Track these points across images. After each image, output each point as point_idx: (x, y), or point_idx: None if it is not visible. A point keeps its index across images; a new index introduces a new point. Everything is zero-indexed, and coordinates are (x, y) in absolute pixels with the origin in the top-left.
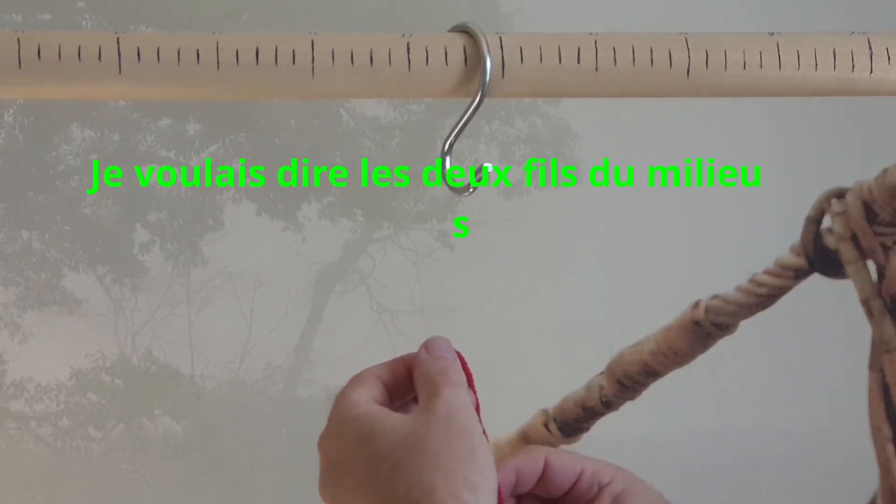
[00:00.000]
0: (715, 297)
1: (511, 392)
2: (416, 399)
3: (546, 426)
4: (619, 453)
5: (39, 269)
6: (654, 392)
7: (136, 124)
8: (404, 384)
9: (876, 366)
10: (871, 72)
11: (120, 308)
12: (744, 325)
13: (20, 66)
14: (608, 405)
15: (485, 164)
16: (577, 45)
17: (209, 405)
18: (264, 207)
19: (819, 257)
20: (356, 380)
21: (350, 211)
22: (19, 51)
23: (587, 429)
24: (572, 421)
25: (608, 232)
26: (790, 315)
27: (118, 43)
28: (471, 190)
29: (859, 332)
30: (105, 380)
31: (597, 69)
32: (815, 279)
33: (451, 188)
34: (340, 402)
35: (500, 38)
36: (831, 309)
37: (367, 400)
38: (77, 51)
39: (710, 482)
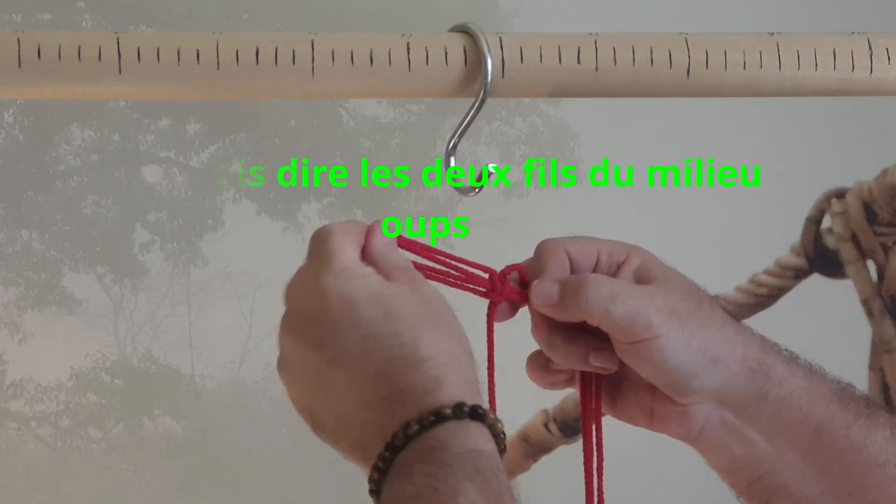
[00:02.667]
0: (715, 297)
1: (511, 392)
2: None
3: (546, 426)
4: (620, 454)
5: (39, 269)
6: None
7: (136, 124)
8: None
9: (876, 366)
10: (871, 72)
11: (120, 308)
12: None
13: (20, 66)
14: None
15: (485, 165)
16: (577, 45)
17: (209, 405)
18: (264, 207)
19: (819, 257)
20: (343, 234)
21: (350, 211)
22: (19, 51)
23: None
24: (572, 421)
25: (608, 232)
26: (790, 315)
27: (118, 43)
28: (476, 190)
29: (859, 332)
30: (105, 380)
31: (597, 69)
32: (815, 279)
33: (456, 189)
34: (334, 255)
35: (501, 39)
36: (831, 309)
37: (358, 259)
38: (77, 51)
39: (712, 483)
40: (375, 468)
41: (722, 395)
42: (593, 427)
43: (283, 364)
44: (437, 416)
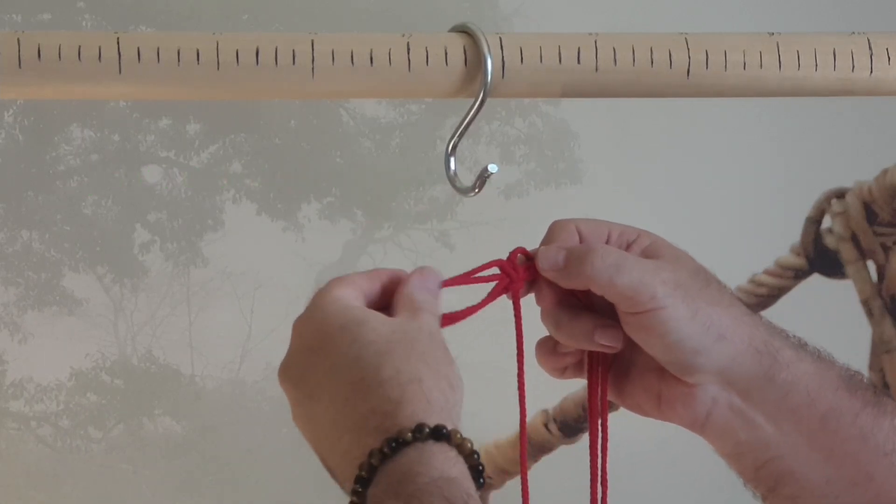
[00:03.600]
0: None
1: (511, 393)
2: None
3: (546, 426)
4: (622, 456)
5: (39, 270)
6: None
7: (136, 124)
8: (380, 296)
9: (876, 366)
10: (871, 72)
11: (120, 308)
12: None
13: (20, 67)
14: (609, 405)
15: (488, 165)
16: (577, 45)
17: (209, 405)
18: (264, 207)
19: (819, 257)
20: (339, 280)
21: (350, 211)
22: (19, 51)
23: (588, 428)
24: (573, 421)
25: None
26: (790, 315)
27: (118, 43)
28: (476, 190)
29: (859, 332)
30: (105, 380)
31: (597, 69)
32: (815, 279)
33: (457, 189)
34: (324, 296)
35: (501, 39)
36: (831, 309)
37: (351, 298)
38: (77, 51)
39: (715, 485)
40: None
41: (728, 375)
42: (599, 411)
43: (292, 413)
44: (398, 442)
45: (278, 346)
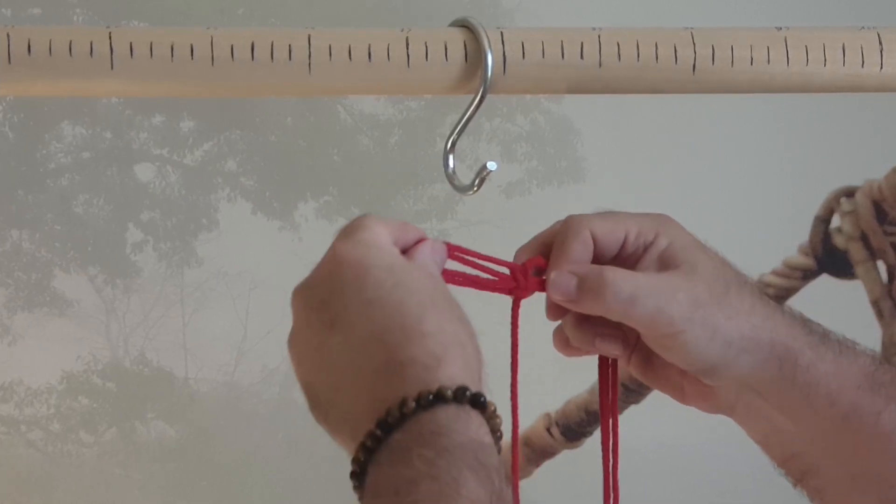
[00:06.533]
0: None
1: (509, 395)
2: None
3: (549, 430)
4: (624, 458)
5: (30, 270)
6: (661, 396)
7: (128, 121)
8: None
9: None
10: (882, 67)
11: (112, 309)
12: None
13: (10, 62)
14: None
15: (487, 163)
16: (580, 40)
17: (204, 409)
18: (260, 206)
19: (828, 257)
20: (378, 219)
21: (348, 210)
22: (9, 46)
23: (591, 433)
24: (575, 425)
25: None
26: None
27: (110, 38)
28: (475, 189)
29: (869, 333)
30: (97, 383)
31: (600, 65)
32: (824, 280)
33: (455, 187)
34: (368, 229)
35: (502, 34)
36: (840, 310)
37: (390, 241)
38: (68, 46)
39: (717, 486)
40: (363, 446)
41: (749, 381)
42: (609, 409)
43: (291, 334)
44: (437, 397)
45: (274, 348)
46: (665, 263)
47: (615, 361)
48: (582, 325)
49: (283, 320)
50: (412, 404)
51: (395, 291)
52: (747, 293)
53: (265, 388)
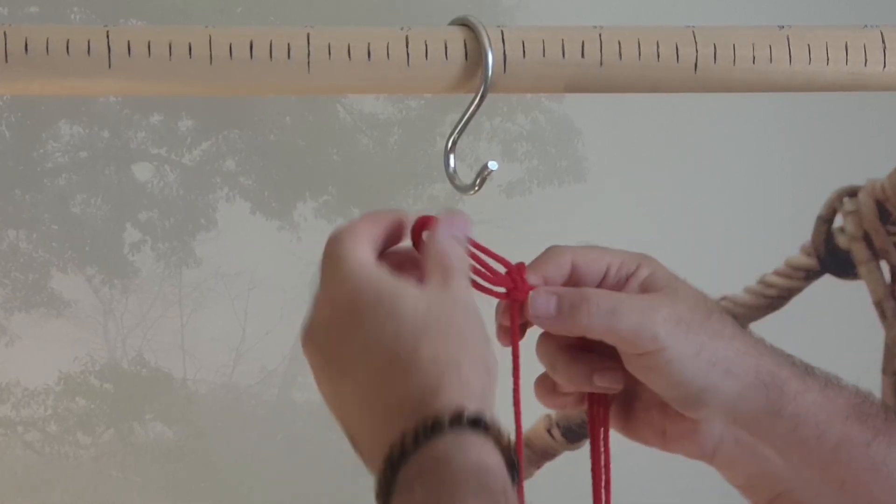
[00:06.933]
0: (723, 298)
1: (510, 398)
2: (404, 262)
3: (549, 431)
4: (625, 459)
5: (27, 270)
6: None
7: (126, 120)
8: (393, 239)
9: (889, 369)
10: (885, 66)
11: (110, 310)
12: (753, 327)
13: (7, 61)
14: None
15: (488, 162)
16: (581, 38)
17: (202, 410)
18: (258, 206)
19: (830, 257)
20: (353, 235)
21: (347, 210)
22: (6, 45)
23: None
24: (576, 426)
25: (612, 231)
26: (801, 317)
27: (108, 37)
28: (476, 188)
29: (872, 334)
30: (94, 384)
31: (601, 64)
32: (827, 280)
33: (456, 187)
34: (349, 257)
35: (502, 32)
36: (843, 311)
37: (374, 261)
38: (66, 45)
39: (719, 488)
40: (378, 486)
41: (734, 410)
42: (601, 451)
43: (315, 379)
44: (434, 428)
45: (273, 348)
46: (646, 289)
47: (606, 401)
48: (577, 363)
49: (281, 321)
50: (410, 438)
51: (388, 325)
52: (729, 322)
53: (264, 390)
